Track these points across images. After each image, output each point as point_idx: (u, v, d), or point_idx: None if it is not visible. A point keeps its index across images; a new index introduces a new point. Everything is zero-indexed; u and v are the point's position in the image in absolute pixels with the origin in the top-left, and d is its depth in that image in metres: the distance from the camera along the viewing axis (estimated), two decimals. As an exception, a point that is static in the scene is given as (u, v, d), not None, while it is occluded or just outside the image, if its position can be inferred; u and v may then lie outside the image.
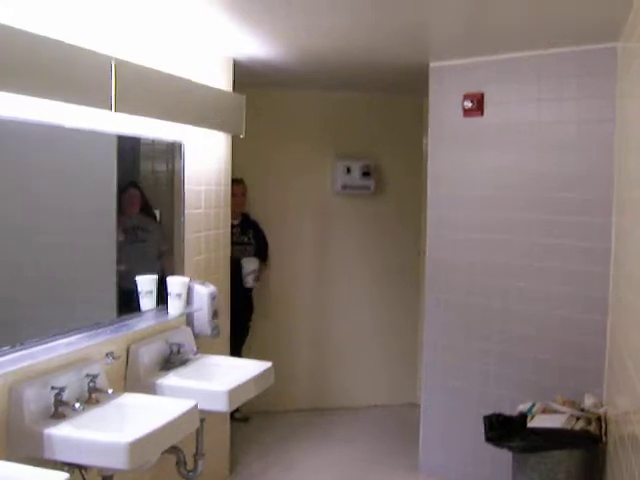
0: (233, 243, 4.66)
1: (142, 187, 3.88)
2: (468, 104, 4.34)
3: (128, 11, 3.32)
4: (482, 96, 4.30)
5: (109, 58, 3.00)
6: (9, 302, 2.83)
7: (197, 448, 3.64)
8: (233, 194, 4.61)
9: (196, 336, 3.93)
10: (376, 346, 5.92)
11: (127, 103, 3.09)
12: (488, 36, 3.87)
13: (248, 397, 3.49)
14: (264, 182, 5.69)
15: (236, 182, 4.94)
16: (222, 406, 3.28)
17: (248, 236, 5.41)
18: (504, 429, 3.54)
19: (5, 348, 2.71)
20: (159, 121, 3.50)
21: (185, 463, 3.49)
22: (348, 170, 5.83)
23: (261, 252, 5.48)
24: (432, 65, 4.46)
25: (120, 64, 3.05)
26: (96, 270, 3.45)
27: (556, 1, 3.11)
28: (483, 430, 3.60)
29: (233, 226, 4.74)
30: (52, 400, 2.79)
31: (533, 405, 3.68)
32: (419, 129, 5.50)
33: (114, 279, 3.53)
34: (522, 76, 4.16)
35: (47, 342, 2.93)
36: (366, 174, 5.88)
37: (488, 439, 3.56)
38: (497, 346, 4.27)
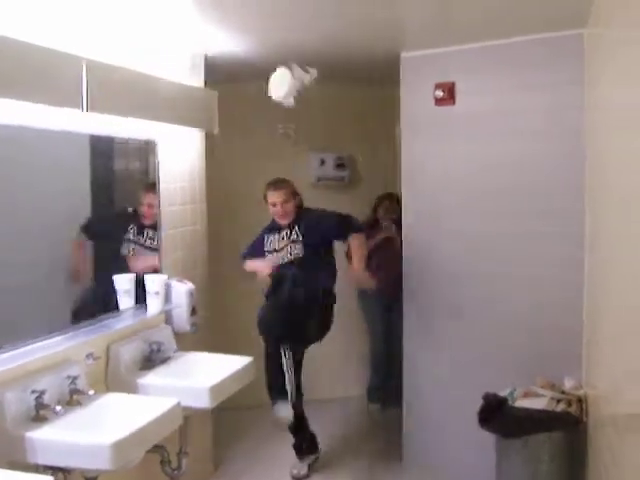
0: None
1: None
2: (439, 93, 4.35)
3: (98, 10, 3.29)
4: (453, 85, 4.31)
5: (80, 59, 2.98)
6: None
7: (181, 446, 3.64)
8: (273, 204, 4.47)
9: (176, 333, 3.92)
10: (352, 336, 5.92)
11: (99, 103, 3.07)
12: (457, 26, 3.88)
13: (230, 392, 3.49)
14: (237, 177, 5.68)
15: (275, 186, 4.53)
16: (204, 402, 3.29)
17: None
18: (488, 412, 3.56)
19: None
20: (132, 120, 3.48)
21: (169, 462, 3.49)
22: (322, 162, 5.87)
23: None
24: (403, 55, 4.46)
25: (91, 64, 3.03)
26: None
27: None
28: (477, 412, 3.59)
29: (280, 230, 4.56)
30: (33, 403, 2.77)
31: (514, 390, 3.68)
32: (392, 119, 5.51)
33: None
34: (492, 64, 4.18)
35: (26, 345, 2.91)
36: (340, 165, 5.92)
37: (482, 421, 3.57)
38: (476, 332, 4.28)
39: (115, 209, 3.91)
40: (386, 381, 5.78)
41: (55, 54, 2.86)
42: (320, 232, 4.43)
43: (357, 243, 4.46)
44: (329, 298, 4.49)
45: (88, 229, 3.50)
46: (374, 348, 5.89)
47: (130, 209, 3.96)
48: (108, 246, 3.79)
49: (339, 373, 5.97)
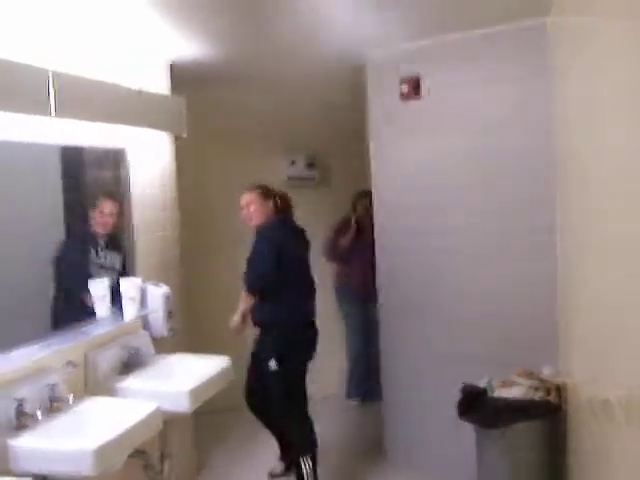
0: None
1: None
2: (405, 89, 4.38)
3: (63, 19, 3.32)
4: (418, 80, 4.34)
5: (46, 71, 3.02)
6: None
7: (162, 450, 3.66)
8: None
9: (153, 338, 3.93)
10: (330, 334, 5.95)
11: (66, 112, 3.12)
12: (421, 20, 3.91)
13: (209, 395, 3.51)
14: (209, 180, 5.72)
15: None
16: (184, 406, 3.31)
17: None
18: (467, 403, 3.58)
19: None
20: (100, 129, 3.54)
21: (152, 466, 3.50)
22: (293, 162, 5.95)
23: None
24: (369, 52, 4.49)
25: (57, 75, 3.07)
26: (47, 279, 3.45)
27: None
28: (456, 404, 3.59)
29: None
30: (14, 411, 2.78)
31: (492, 380, 3.68)
32: (362, 117, 5.55)
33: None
34: (457, 58, 4.20)
35: (3, 354, 2.92)
36: (310, 165, 6.00)
37: (461, 412, 3.58)
38: (451, 325, 4.31)
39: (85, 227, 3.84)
40: (364, 376, 5.83)
41: (22, 67, 2.90)
42: None
43: (241, 298, 4.24)
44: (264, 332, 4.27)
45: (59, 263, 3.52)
46: (352, 345, 5.94)
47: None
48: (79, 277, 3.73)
49: (317, 371, 5.99)
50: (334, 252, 5.77)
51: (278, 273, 4.06)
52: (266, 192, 4.28)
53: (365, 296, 5.59)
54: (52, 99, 3.01)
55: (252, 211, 4.23)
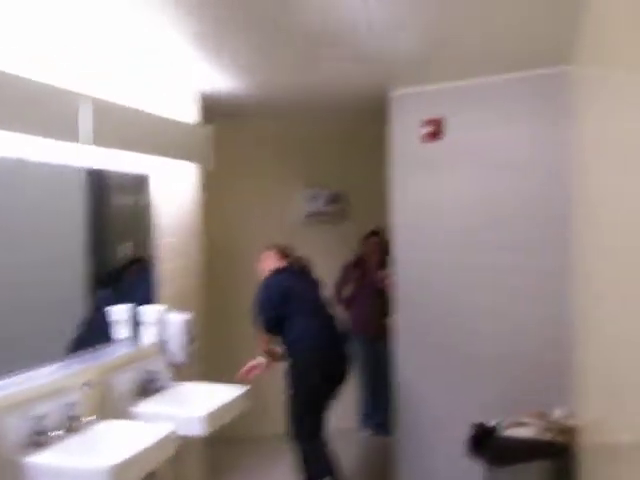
0: None
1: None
2: (427, 129, 4.45)
3: (99, 49, 3.45)
4: (440, 122, 4.41)
5: (77, 95, 3.12)
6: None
7: (175, 475, 3.69)
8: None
9: (171, 363, 3.99)
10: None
11: (101, 138, 3.22)
12: (445, 64, 4.01)
13: (224, 421, 3.55)
14: (232, 212, 5.82)
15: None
16: (199, 430, 3.35)
17: None
18: (477, 441, 3.62)
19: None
20: (130, 155, 3.61)
21: None
22: (313, 198, 6.02)
23: None
24: (391, 93, 4.58)
25: (95, 101, 3.18)
26: (68, 301, 3.52)
27: (505, 30, 3.28)
28: (466, 442, 3.65)
29: None
30: (32, 429, 2.84)
31: (502, 419, 3.70)
32: (381, 155, 5.62)
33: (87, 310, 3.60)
34: (479, 102, 4.29)
35: (25, 372, 3.00)
36: (331, 201, 6.06)
37: (471, 450, 3.62)
38: (464, 364, 4.35)
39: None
40: (375, 411, 5.88)
41: (61, 92, 3.01)
42: None
43: (260, 338, 4.64)
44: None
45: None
46: (362, 381, 5.97)
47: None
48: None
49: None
50: (338, 298, 5.84)
51: (283, 311, 4.42)
52: (281, 253, 4.70)
53: (370, 336, 5.76)
54: (88, 126, 3.12)
55: (263, 266, 4.67)
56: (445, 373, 4.44)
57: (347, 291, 5.79)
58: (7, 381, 2.88)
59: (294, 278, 4.59)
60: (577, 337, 3.65)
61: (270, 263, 4.64)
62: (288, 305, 4.43)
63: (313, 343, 4.43)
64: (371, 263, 5.79)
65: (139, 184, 3.98)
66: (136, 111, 3.61)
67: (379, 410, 5.78)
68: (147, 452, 2.87)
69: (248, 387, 3.85)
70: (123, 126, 3.46)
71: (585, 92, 3.09)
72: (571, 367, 3.80)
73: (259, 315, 4.48)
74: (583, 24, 3.00)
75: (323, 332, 4.50)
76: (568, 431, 3.54)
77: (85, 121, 3.11)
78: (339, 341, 4.61)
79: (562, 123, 3.90)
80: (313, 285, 4.69)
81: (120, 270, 3.96)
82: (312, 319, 4.49)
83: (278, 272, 4.58)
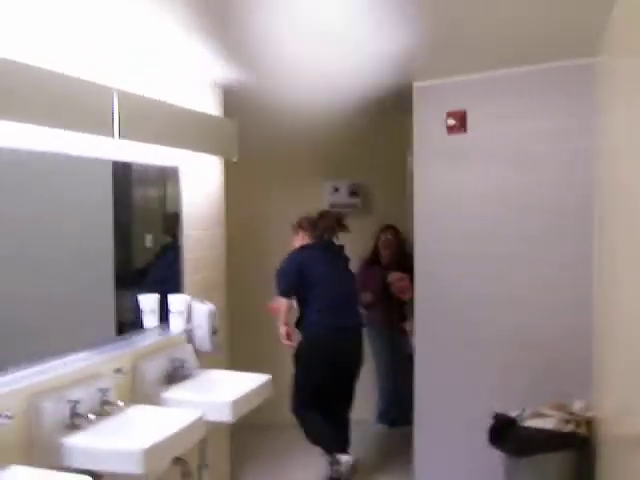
0: None
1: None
2: (451, 122, 4.44)
3: (126, 45, 3.52)
4: (464, 114, 4.41)
5: (111, 90, 3.21)
6: (22, 320, 2.99)
7: (201, 459, 3.81)
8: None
9: (197, 352, 4.08)
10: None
11: (129, 131, 3.31)
12: (469, 56, 4.00)
13: (250, 407, 3.65)
14: (255, 203, 5.91)
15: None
16: (226, 416, 3.46)
17: None
18: (498, 431, 3.64)
19: (23, 364, 2.89)
20: (157, 147, 3.70)
21: (190, 474, 3.61)
22: (336, 189, 6.09)
23: None
24: (416, 85, 4.57)
25: (121, 94, 3.27)
26: (100, 291, 3.62)
27: (531, 21, 3.26)
28: (486, 431, 3.67)
29: None
30: (68, 412, 2.96)
31: (523, 410, 3.71)
32: (403, 147, 5.65)
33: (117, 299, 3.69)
34: (503, 93, 4.27)
35: (61, 358, 3.11)
36: (353, 193, 6.11)
37: (492, 440, 3.64)
38: (485, 357, 4.35)
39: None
40: (392, 403, 5.92)
41: (88, 84, 3.08)
42: None
43: (280, 308, 4.92)
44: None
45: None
46: (380, 373, 6.03)
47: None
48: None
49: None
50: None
51: (302, 286, 4.79)
52: (297, 225, 5.07)
53: (389, 328, 5.81)
54: (117, 119, 3.22)
55: (293, 244, 5.02)
56: (464, 364, 4.44)
57: (366, 298, 5.70)
58: (44, 366, 2.99)
59: (316, 256, 4.89)
60: (597, 328, 3.67)
61: (298, 241, 4.99)
62: (304, 281, 4.79)
63: (324, 323, 4.76)
64: (385, 259, 5.84)
65: (168, 176, 4.07)
66: (163, 103, 3.69)
67: (396, 403, 5.80)
68: (177, 436, 2.97)
69: (271, 376, 3.93)
70: (150, 119, 3.55)
71: (615, 83, 3.09)
72: (591, 358, 3.81)
73: (277, 286, 4.87)
74: (613, 14, 2.99)
75: (337, 313, 4.80)
76: (588, 423, 3.54)
77: (116, 114, 3.21)
78: (352, 324, 4.92)
79: (586, 116, 3.89)
80: (335, 263, 4.98)
81: (149, 260, 4.08)
82: (327, 299, 4.79)
83: (301, 249, 4.93)
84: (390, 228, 5.87)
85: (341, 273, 4.98)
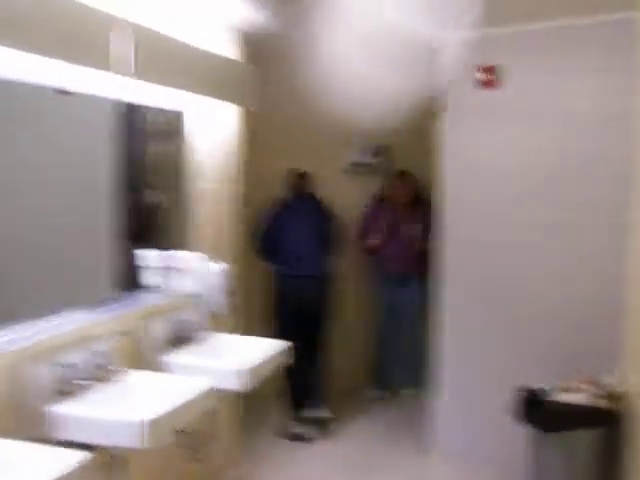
0: None
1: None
2: (481, 76, 4.28)
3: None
4: (495, 69, 4.24)
5: (128, 23, 2.88)
6: (10, 279, 2.68)
7: (210, 430, 3.60)
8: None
9: (207, 314, 3.81)
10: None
11: (146, 70, 3.00)
12: (503, 7, 3.90)
13: (265, 375, 3.38)
14: (273, 161, 5.66)
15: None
16: (240, 385, 3.16)
17: None
18: (527, 406, 3.55)
19: (9, 323, 2.56)
20: (168, 89, 3.35)
21: (197, 445, 3.41)
22: (359, 149, 5.90)
23: None
24: (446, 37, 4.33)
25: (138, 29, 2.95)
26: (98, 246, 3.29)
27: None
28: (513, 406, 3.60)
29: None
30: (59, 378, 2.64)
31: (553, 384, 3.62)
32: (429, 107, 5.41)
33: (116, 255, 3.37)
34: (539, 49, 4.12)
35: (52, 319, 2.79)
36: (377, 154, 5.90)
37: (520, 415, 3.56)
38: (515, 328, 4.27)
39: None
40: (389, 369, 5.72)
41: (102, 15, 2.75)
42: None
43: None
44: None
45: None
46: (380, 331, 5.77)
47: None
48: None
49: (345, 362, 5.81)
50: (362, 244, 5.71)
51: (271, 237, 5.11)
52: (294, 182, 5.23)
53: (399, 277, 5.61)
54: (133, 57, 2.88)
55: None
56: (493, 334, 4.36)
57: (375, 239, 5.57)
58: (33, 326, 2.67)
59: (289, 209, 5.13)
60: (631, 300, 3.49)
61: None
62: (274, 232, 5.07)
63: (291, 273, 5.02)
64: (398, 205, 5.61)
65: (178, 121, 3.74)
66: (182, 44, 3.37)
67: (394, 367, 5.66)
68: (186, 407, 2.69)
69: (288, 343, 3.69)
70: (168, 59, 3.22)
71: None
72: (623, 332, 3.66)
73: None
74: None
75: (299, 263, 5.02)
76: (619, 398, 3.46)
77: (128, 50, 2.87)
78: (314, 275, 5.07)
79: (628, 73, 3.66)
80: (309, 217, 5.14)
81: (154, 212, 3.73)
82: (294, 250, 5.04)
83: (275, 203, 5.18)
84: (403, 174, 5.67)
85: (310, 228, 5.10)
